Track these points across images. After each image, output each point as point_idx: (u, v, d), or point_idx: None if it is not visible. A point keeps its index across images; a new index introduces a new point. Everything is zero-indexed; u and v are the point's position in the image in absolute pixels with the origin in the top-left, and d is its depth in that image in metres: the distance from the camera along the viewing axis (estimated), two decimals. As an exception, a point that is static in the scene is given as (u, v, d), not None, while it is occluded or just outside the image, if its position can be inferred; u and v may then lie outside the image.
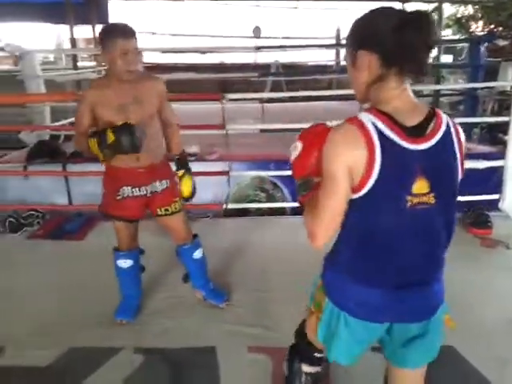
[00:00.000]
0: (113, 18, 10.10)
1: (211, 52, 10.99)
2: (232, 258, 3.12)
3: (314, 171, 1.26)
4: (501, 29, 10.73)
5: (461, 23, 11.36)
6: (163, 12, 12.61)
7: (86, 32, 9.84)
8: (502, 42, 5.70)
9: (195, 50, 10.96)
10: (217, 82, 9.14)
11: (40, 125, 5.12)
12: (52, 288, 2.75)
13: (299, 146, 1.29)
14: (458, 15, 11.36)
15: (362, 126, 1.09)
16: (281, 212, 4.07)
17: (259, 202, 4.17)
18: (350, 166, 1.09)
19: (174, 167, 2.40)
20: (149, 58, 10.45)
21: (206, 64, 11.12)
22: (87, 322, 2.40)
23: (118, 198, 2.23)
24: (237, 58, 11.66)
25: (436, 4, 9.83)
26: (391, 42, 1.08)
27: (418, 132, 1.11)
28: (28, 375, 2.05)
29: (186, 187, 2.32)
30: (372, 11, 1.15)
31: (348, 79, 1.27)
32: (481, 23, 11.19)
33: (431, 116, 1.14)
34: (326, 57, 12.20)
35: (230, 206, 3.72)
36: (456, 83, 8.97)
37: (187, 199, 2.37)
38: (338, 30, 11.14)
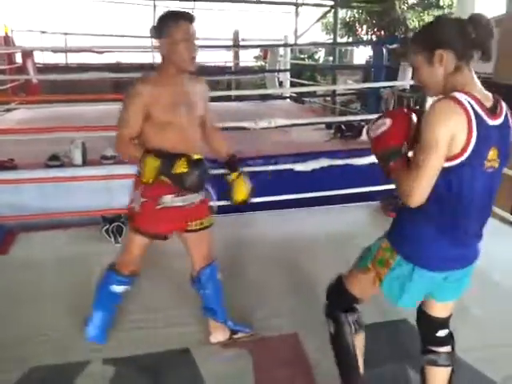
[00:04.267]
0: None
1: (107, 51, 10.52)
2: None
3: (400, 142, 1.44)
4: (383, 33, 11.72)
5: (349, 27, 12.18)
6: (54, 10, 11.85)
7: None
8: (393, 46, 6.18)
9: (89, 50, 10.40)
10: (112, 82, 8.75)
11: None
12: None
13: (388, 121, 1.45)
14: (347, 19, 12.18)
15: (460, 102, 1.30)
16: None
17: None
18: (454, 133, 1.29)
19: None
20: (39, 58, 9.77)
21: (100, 64, 10.60)
22: (36, 339, 2.21)
23: (158, 207, 1.92)
24: (134, 58, 11.33)
25: (328, 8, 10.52)
26: (462, 41, 1.34)
27: (493, 111, 1.36)
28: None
29: (240, 189, 2.05)
30: (435, 21, 1.45)
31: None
32: (365, 27, 12.08)
33: (495, 98, 1.40)
34: (225, 58, 12.37)
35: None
36: (345, 83, 9.73)
37: (242, 203, 2.09)
38: (237, 32, 11.33)
